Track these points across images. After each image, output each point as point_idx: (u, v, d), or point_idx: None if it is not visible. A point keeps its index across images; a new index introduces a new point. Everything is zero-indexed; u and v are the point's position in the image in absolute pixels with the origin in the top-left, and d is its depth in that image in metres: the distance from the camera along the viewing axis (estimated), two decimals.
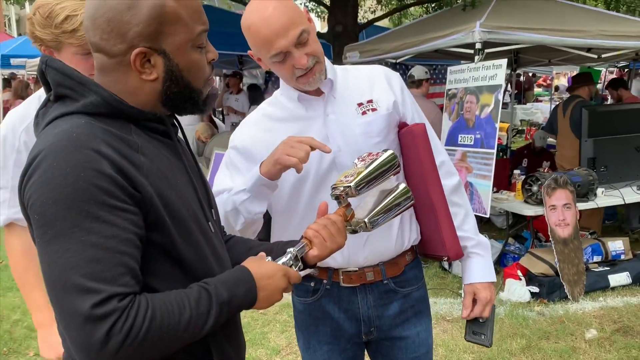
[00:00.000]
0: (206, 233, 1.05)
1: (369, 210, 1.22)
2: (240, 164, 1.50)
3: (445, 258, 1.53)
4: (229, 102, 8.27)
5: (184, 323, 0.89)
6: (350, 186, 1.17)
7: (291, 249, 1.11)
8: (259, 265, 1.03)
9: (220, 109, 8.99)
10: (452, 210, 1.54)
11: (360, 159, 1.28)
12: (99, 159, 0.87)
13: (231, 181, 1.49)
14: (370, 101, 1.49)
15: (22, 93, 9.00)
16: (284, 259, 1.09)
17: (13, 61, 9.76)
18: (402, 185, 1.26)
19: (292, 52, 1.35)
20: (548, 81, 16.05)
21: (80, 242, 0.84)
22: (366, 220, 1.20)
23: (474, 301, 1.58)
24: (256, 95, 8.13)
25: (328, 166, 1.46)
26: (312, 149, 1.30)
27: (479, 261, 1.59)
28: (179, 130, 1.11)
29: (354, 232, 1.22)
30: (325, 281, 1.54)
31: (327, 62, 1.51)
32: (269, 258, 1.08)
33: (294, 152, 1.27)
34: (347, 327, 1.56)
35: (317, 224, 1.16)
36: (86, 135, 0.89)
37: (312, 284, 1.56)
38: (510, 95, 8.60)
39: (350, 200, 1.22)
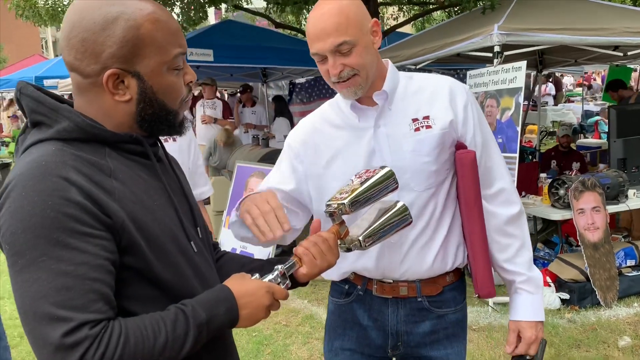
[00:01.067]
0: (187, 253, 1.04)
1: (365, 228, 1.18)
2: (290, 162, 1.52)
3: (476, 295, 1.48)
4: (246, 118, 8.11)
5: (159, 347, 0.88)
6: (344, 203, 1.15)
7: (279, 266, 1.09)
8: (240, 283, 1.02)
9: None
10: (505, 242, 1.48)
11: (357, 176, 1.24)
12: (67, 187, 0.87)
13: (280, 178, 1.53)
14: (426, 117, 1.42)
15: None
16: (270, 277, 1.07)
17: (46, 82, 10.08)
18: (400, 204, 1.22)
19: (328, 58, 1.34)
20: (592, 81, 15.59)
21: (50, 271, 0.84)
22: (360, 238, 1.17)
23: (519, 338, 1.51)
24: (281, 106, 8.15)
25: None
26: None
27: (526, 298, 1.50)
28: (160, 149, 1.11)
29: (349, 250, 1.19)
30: (359, 287, 1.52)
31: (391, 69, 1.46)
32: (257, 275, 1.07)
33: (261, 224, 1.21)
34: (373, 336, 1.53)
35: (308, 241, 1.14)
36: (55, 163, 0.89)
37: (347, 287, 1.54)
38: (537, 97, 8.41)
39: (345, 217, 1.19)
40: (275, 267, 1.09)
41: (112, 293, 0.89)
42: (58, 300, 0.83)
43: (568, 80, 17.54)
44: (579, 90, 15.96)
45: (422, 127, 1.41)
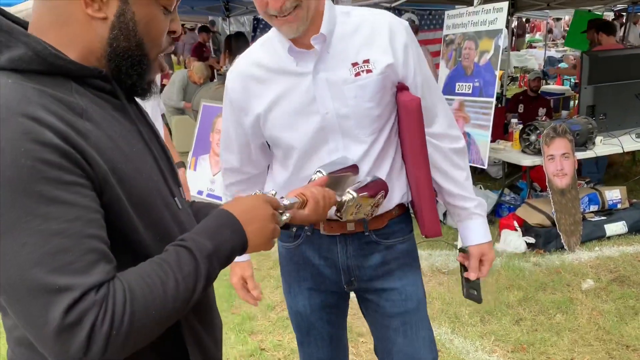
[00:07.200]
0: (172, 209, 0.91)
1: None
2: (239, 121, 1.47)
3: (423, 235, 1.51)
4: None
5: (171, 292, 0.76)
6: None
7: (281, 198, 1.03)
8: (236, 203, 0.91)
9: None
10: (455, 173, 1.52)
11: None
12: (39, 128, 0.71)
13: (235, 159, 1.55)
14: (366, 61, 1.35)
15: None
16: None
17: None
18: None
19: None
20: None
21: (38, 232, 0.69)
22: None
23: (480, 262, 1.56)
24: (240, 43, 7.76)
25: (316, 129, 1.39)
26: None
27: (482, 222, 1.56)
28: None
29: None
30: (306, 227, 1.51)
31: (329, 5, 1.35)
32: None
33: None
34: (327, 273, 1.54)
35: (320, 191, 1.09)
36: (17, 100, 0.72)
37: (294, 230, 1.53)
38: (508, 41, 8.36)
39: None
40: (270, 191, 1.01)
41: (109, 250, 0.76)
42: (56, 266, 0.69)
43: None
44: (538, 36, 16.03)
45: (363, 71, 1.35)
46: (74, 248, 0.70)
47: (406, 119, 1.38)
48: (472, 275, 1.56)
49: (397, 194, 1.49)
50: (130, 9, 0.82)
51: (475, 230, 1.55)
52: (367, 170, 1.41)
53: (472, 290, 1.59)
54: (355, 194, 1.22)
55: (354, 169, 1.35)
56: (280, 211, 1.00)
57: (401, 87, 1.39)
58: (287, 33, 1.29)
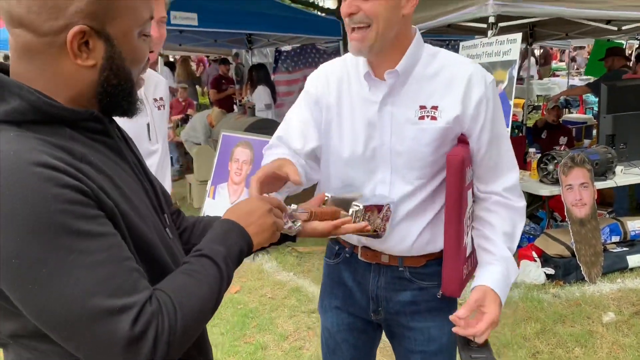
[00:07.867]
0: (165, 242, 0.95)
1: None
2: (311, 112, 1.50)
3: (440, 293, 1.47)
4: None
5: (206, 295, 0.86)
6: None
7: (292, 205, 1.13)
8: (234, 210, 1.01)
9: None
10: (494, 221, 1.43)
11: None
12: (56, 174, 0.75)
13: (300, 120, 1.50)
14: (434, 107, 1.34)
15: None
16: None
17: None
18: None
19: None
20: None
21: (85, 266, 0.75)
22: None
23: (479, 312, 1.32)
24: (261, 74, 7.87)
25: (370, 157, 1.41)
26: None
27: (501, 271, 1.39)
28: (116, 125, 0.99)
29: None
30: (346, 249, 1.55)
31: (415, 43, 1.34)
32: None
33: None
34: (358, 297, 1.55)
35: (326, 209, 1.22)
36: (25, 150, 0.75)
37: (337, 248, 1.59)
38: (528, 70, 8.34)
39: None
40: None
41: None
42: (111, 292, 0.76)
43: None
44: (562, 64, 15.92)
45: (427, 117, 1.34)
46: (119, 272, 0.78)
47: (447, 172, 1.36)
48: (461, 313, 1.27)
49: (440, 241, 1.44)
50: (116, 50, 0.85)
51: (489, 272, 1.39)
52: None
53: (477, 358, 1.25)
54: (360, 205, 1.26)
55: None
56: (293, 220, 1.11)
57: (461, 140, 1.38)
58: (352, 50, 1.33)
